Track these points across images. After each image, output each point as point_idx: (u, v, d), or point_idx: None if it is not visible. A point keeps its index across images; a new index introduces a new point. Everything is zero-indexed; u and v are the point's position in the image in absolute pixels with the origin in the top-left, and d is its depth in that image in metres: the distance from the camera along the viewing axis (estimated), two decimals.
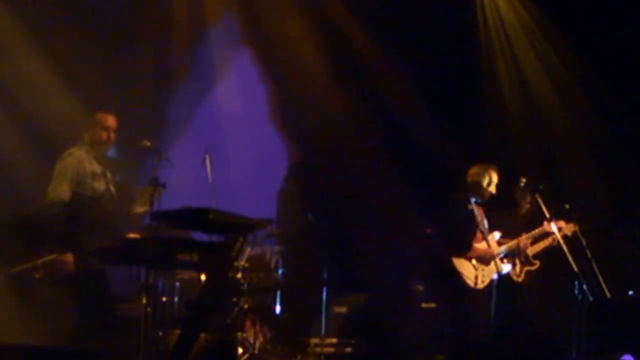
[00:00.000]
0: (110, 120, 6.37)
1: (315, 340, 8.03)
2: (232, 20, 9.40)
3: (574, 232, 7.12)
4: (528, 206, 7.71)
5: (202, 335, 6.21)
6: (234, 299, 7.21)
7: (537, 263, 7.41)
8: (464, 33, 9.50)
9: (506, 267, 7.18)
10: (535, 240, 7.37)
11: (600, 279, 6.50)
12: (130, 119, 7.52)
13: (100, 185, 6.28)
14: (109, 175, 6.40)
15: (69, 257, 6.05)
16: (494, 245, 7.14)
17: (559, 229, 7.11)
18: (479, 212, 7.12)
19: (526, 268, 7.38)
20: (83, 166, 6.22)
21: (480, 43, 9.59)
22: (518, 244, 7.21)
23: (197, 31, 9.19)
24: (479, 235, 7.07)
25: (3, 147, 7.10)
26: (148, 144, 6.44)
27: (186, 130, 9.07)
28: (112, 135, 6.37)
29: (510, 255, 7.25)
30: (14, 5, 7.38)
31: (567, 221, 7.25)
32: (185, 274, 7.23)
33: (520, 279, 7.36)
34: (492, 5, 9.56)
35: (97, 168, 6.30)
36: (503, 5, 9.53)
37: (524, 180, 7.14)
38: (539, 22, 9.37)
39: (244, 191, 8.98)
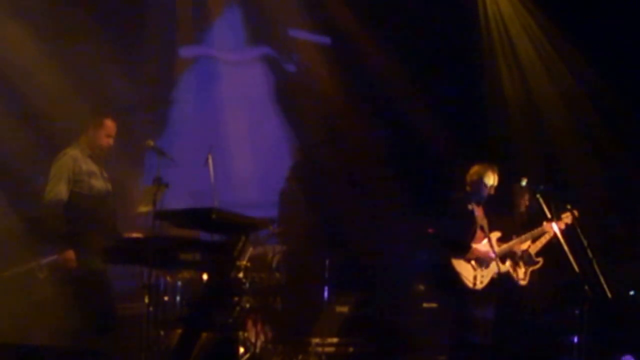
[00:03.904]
0: (114, 128, 6.40)
1: (316, 340, 8.04)
2: (236, 17, 9.43)
3: (574, 227, 7.08)
4: (527, 203, 7.70)
5: (204, 334, 6.24)
6: (236, 299, 7.22)
7: (540, 261, 7.40)
8: (466, 33, 9.51)
9: (505, 268, 7.19)
10: (536, 239, 7.38)
11: (601, 279, 6.49)
12: (134, 118, 7.57)
13: (98, 184, 6.30)
14: (105, 174, 6.42)
15: (71, 254, 6.05)
16: (494, 245, 7.14)
17: (560, 229, 7.11)
18: (479, 212, 7.13)
19: (530, 268, 7.36)
20: (78, 165, 6.22)
21: (482, 43, 9.60)
22: (511, 247, 7.21)
23: (201, 28, 9.22)
24: (479, 235, 7.08)
25: (7, 147, 7.12)
26: (151, 143, 6.46)
27: (189, 130, 9.08)
28: (112, 142, 6.41)
29: (508, 256, 7.25)
30: (16, 3, 7.39)
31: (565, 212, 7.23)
32: (187, 274, 7.26)
33: (524, 282, 7.32)
34: (494, 6, 9.58)
35: (93, 167, 6.32)
36: (504, 5, 9.55)
37: (524, 180, 7.14)
38: (541, 22, 9.39)
39: (246, 191, 9.01)
